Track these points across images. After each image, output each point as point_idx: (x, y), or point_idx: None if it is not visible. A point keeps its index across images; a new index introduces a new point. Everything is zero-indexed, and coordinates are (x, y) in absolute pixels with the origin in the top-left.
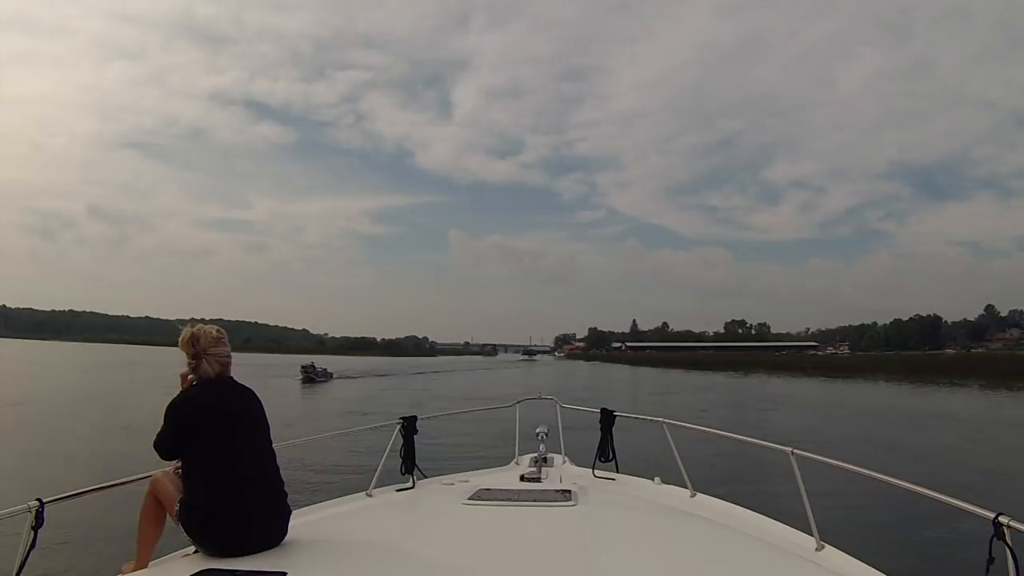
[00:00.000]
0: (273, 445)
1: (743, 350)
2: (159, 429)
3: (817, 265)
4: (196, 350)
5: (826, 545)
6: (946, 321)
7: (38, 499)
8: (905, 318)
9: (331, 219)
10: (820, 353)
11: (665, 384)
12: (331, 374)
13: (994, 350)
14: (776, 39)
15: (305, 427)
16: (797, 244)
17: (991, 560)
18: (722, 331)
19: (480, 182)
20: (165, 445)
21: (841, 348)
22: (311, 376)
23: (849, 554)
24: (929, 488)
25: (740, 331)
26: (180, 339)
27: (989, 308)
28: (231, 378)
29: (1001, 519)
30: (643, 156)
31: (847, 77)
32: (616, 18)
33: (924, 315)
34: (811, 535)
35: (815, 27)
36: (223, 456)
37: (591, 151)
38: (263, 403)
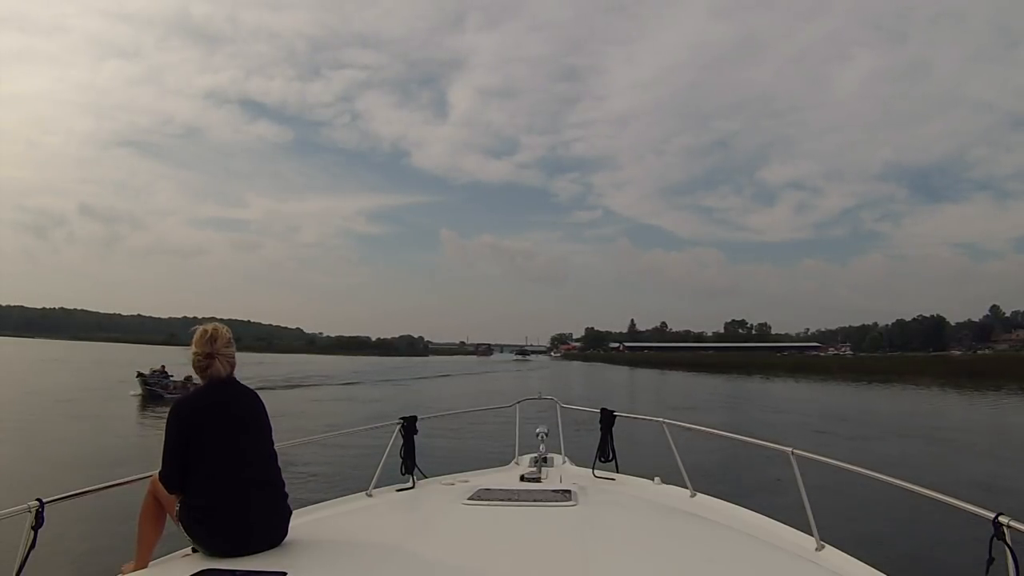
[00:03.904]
0: (275, 447)
1: (744, 351)
2: (162, 457)
3: (812, 266)
4: (211, 349)
5: (826, 545)
6: (948, 322)
7: (38, 499)
8: (907, 319)
9: (327, 218)
10: (822, 354)
11: (670, 388)
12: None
13: (1002, 351)
14: (771, 40)
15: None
16: (792, 245)
17: (991, 560)
18: (722, 331)
19: (476, 182)
20: (169, 470)
21: (842, 349)
22: (155, 390)
23: (849, 554)
24: (929, 488)
25: (740, 331)
26: (195, 336)
27: (994, 308)
28: (235, 379)
29: (1001, 519)
30: (639, 156)
31: (843, 78)
32: (611, 18)
33: (927, 316)
34: (811, 535)
35: (811, 28)
36: (224, 457)
37: (587, 151)
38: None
